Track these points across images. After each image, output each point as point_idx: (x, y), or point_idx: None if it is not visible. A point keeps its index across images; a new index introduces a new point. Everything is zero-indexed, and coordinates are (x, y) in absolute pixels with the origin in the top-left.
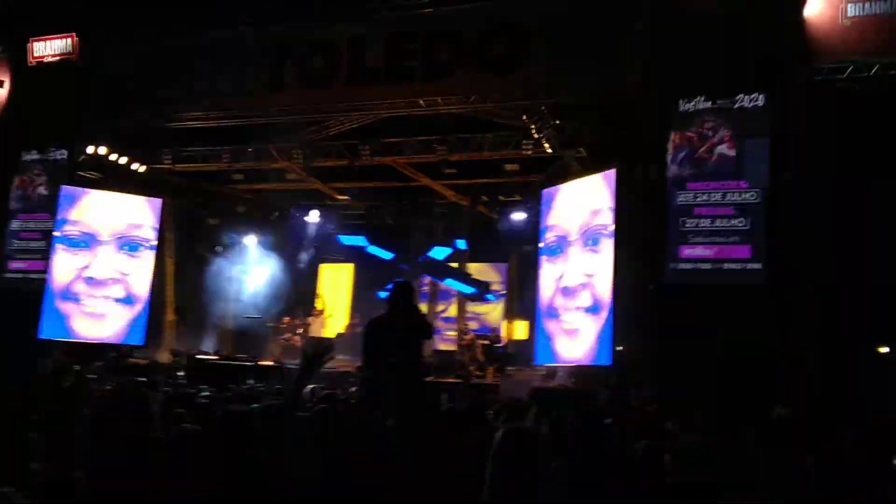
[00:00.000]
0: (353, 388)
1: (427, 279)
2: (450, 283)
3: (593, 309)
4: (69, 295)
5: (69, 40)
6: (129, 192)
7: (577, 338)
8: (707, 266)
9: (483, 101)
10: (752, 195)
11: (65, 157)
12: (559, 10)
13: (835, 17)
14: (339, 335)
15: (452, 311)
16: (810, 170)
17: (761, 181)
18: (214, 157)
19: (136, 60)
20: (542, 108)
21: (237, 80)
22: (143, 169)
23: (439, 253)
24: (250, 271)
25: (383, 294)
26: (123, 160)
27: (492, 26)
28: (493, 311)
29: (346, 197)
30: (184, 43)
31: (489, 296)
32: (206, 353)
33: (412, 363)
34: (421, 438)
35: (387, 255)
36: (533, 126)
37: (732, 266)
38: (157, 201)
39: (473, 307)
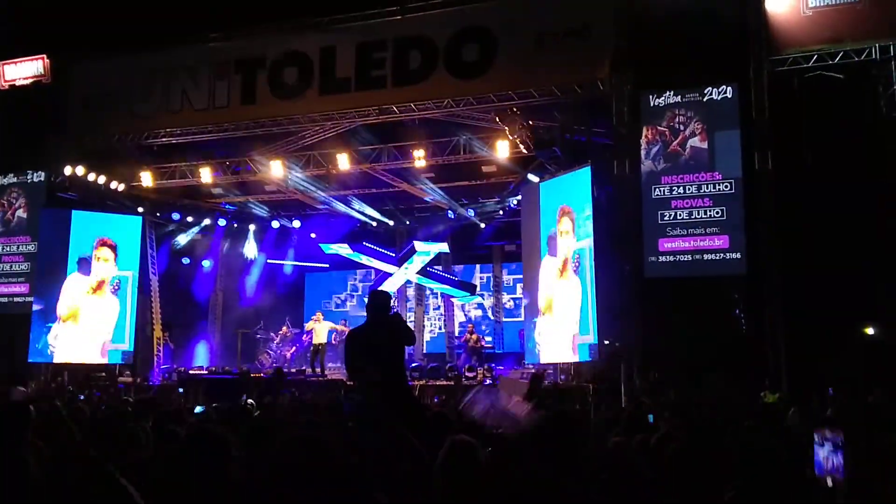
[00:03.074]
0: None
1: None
2: (440, 289)
3: (578, 306)
4: (57, 317)
5: (40, 62)
6: (109, 210)
7: (564, 335)
8: (687, 258)
9: (456, 104)
10: (726, 186)
11: (42, 178)
12: (526, 12)
13: (796, 9)
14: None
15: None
16: (782, 158)
17: (734, 171)
18: (192, 172)
19: (108, 79)
20: (515, 109)
21: (210, 95)
22: (121, 187)
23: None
24: (235, 284)
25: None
26: (102, 179)
27: (460, 31)
28: (479, 312)
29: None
30: (156, 60)
31: (476, 297)
32: (198, 369)
33: (395, 371)
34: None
35: (373, 262)
36: (507, 127)
37: (712, 257)
38: (138, 219)
39: (460, 309)
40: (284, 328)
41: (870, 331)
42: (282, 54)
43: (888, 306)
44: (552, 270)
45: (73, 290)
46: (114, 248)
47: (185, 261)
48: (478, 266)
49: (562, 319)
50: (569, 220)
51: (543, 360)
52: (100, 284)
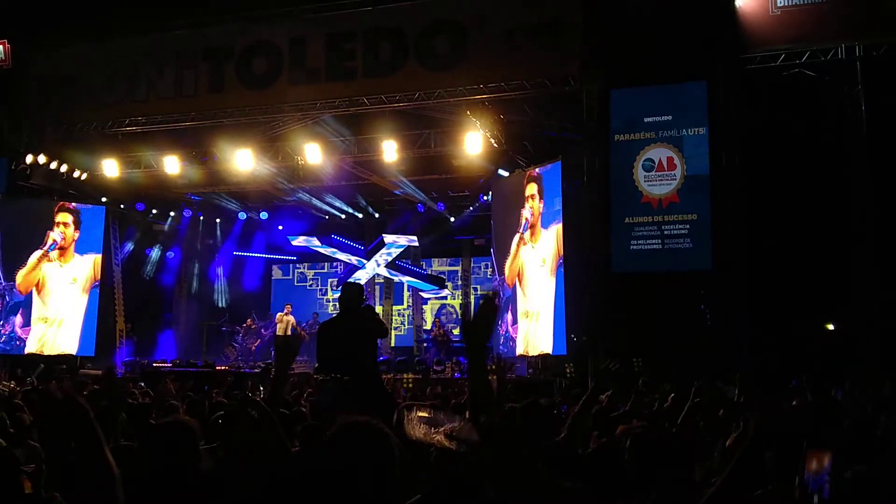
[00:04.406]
0: (310, 391)
1: None
2: (409, 282)
3: (546, 299)
4: (17, 308)
5: (0, 47)
6: (72, 200)
7: (533, 329)
8: (655, 253)
9: (427, 97)
10: (694, 182)
11: (3, 166)
12: (497, 6)
13: (765, 7)
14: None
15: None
16: (749, 155)
17: (702, 168)
18: (158, 162)
19: (72, 66)
20: (486, 102)
21: (177, 83)
22: (84, 176)
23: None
24: (200, 276)
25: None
26: (64, 168)
27: (432, 23)
28: (447, 305)
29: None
30: (121, 47)
31: (444, 290)
32: (161, 362)
33: (367, 363)
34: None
35: (342, 255)
36: (478, 121)
37: (679, 252)
38: (101, 209)
39: (430, 302)
40: (249, 321)
41: (830, 326)
42: (251, 43)
43: (847, 302)
44: (517, 264)
45: (32, 262)
46: (74, 212)
47: (150, 252)
48: (448, 259)
49: (529, 313)
50: (535, 184)
51: (512, 352)
52: (62, 251)
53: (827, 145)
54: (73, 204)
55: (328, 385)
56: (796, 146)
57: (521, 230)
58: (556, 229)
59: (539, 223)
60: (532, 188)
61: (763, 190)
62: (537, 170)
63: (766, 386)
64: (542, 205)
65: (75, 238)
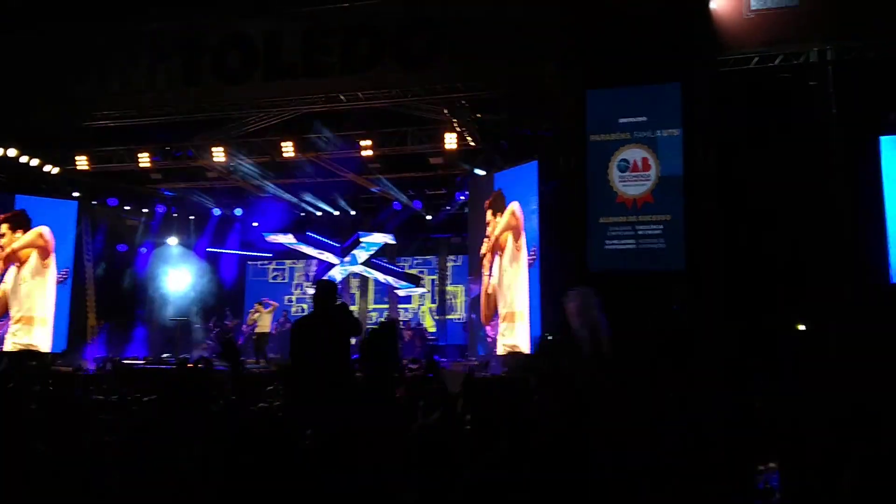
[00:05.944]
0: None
1: None
2: (385, 280)
3: (523, 298)
4: None
5: None
6: (42, 195)
7: (509, 327)
8: (630, 253)
9: (404, 94)
10: (668, 183)
11: None
12: (475, 4)
13: (739, 10)
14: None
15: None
16: (723, 156)
17: (676, 169)
18: (131, 157)
19: (42, 60)
20: (463, 101)
21: (151, 76)
22: (56, 171)
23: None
24: (173, 272)
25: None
26: (35, 162)
27: (410, 20)
28: (423, 303)
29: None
30: (93, 40)
31: (420, 288)
32: (133, 359)
33: (341, 362)
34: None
35: (316, 251)
36: (455, 119)
37: (653, 253)
38: (73, 204)
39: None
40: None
41: (801, 326)
42: (226, 37)
43: (817, 302)
44: (494, 263)
45: None
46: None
47: (122, 248)
48: (424, 257)
49: (506, 311)
50: (490, 211)
51: (487, 351)
52: (14, 257)
53: (800, 147)
54: None
55: (294, 385)
56: (769, 147)
57: (503, 228)
58: (529, 230)
59: (494, 234)
60: (488, 215)
61: (736, 191)
62: (519, 170)
63: (737, 383)
64: (496, 219)
65: (15, 239)
